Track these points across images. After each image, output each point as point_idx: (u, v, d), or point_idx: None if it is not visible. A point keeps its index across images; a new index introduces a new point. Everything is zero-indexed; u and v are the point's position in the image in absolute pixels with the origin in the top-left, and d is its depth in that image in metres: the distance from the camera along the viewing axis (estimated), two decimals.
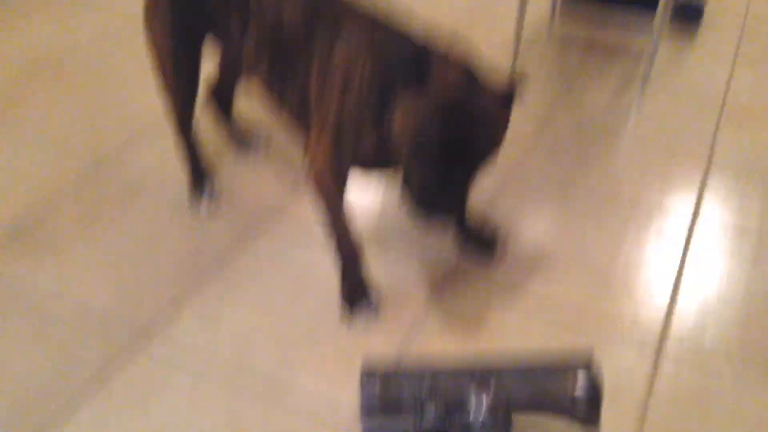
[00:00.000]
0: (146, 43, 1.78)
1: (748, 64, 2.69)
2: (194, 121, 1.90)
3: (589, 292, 1.74)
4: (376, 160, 1.54)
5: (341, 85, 1.50)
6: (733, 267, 1.82)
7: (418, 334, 1.61)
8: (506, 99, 1.41)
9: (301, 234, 1.88)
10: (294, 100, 1.64)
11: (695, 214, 1.98)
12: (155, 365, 1.54)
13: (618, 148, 2.23)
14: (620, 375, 1.53)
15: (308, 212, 1.93)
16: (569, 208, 1.99)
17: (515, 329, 1.63)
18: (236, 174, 2.07)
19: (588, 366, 1.12)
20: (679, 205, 2.01)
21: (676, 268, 1.81)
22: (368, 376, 1.08)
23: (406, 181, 1.43)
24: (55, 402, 1.45)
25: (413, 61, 1.38)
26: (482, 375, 1.08)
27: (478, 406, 1.05)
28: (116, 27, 2.79)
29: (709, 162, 2.18)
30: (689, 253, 1.86)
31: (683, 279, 1.78)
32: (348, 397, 1.45)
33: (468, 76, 1.38)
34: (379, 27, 1.51)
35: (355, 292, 1.67)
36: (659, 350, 1.60)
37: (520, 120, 2.35)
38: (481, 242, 1.81)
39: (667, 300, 1.72)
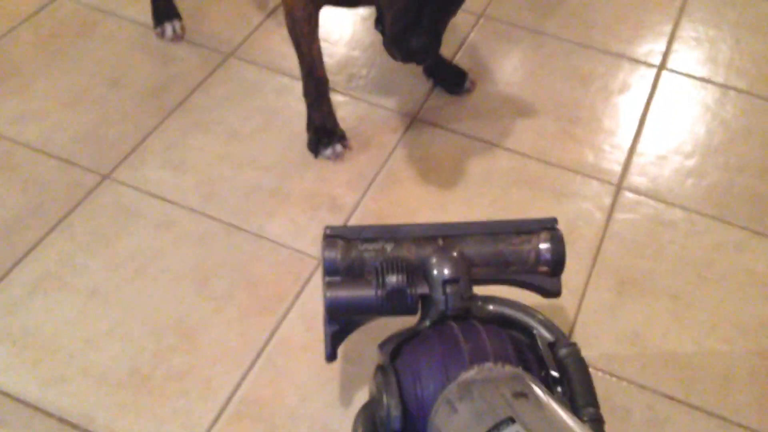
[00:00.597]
0: None
1: None
2: None
3: (552, 140, 1.76)
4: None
5: None
6: (695, 118, 1.85)
7: (384, 179, 1.64)
8: None
9: (268, 72, 1.85)
10: None
11: (661, 64, 1.98)
12: (118, 206, 1.56)
13: None
14: (578, 221, 1.60)
15: (278, 45, 1.90)
16: (538, 53, 1.97)
17: (478, 177, 1.66)
18: (205, 12, 2.00)
19: (552, 227, 1.13)
20: (647, 54, 2.00)
21: (638, 118, 1.83)
22: (331, 240, 1.08)
23: (382, 18, 1.43)
24: (19, 239, 1.48)
25: None
26: (445, 242, 1.09)
27: (440, 273, 1.04)
28: None
29: (681, 11, 2.15)
30: (652, 104, 1.87)
31: (644, 130, 1.81)
32: (308, 245, 1.51)
33: None
34: None
35: (321, 131, 1.67)
36: (615, 198, 1.65)
37: None
38: (450, 72, 1.84)
39: (626, 150, 1.76)
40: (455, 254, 1.07)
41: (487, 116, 1.80)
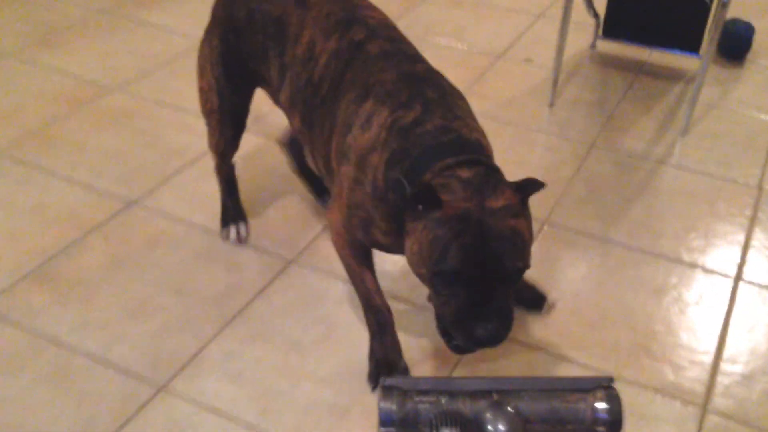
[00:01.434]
0: (197, 81, 1.82)
1: None
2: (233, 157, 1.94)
3: (626, 356, 1.66)
4: (393, 249, 1.45)
5: (353, 174, 1.43)
6: None
7: None
8: (521, 205, 1.29)
9: (330, 280, 1.84)
10: (320, 160, 1.61)
11: (737, 276, 1.90)
12: (173, 423, 1.50)
13: (658, 195, 2.16)
14: None
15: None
16: (606, 262, 1.92)
17: None
18: (270, 217, 2.04)
19: (608, 386, 1.09)
20: (721, 264, 1.93)
21: (718, 332, 1.73)
22: (387, 390, 1.08)
23: (438, 312, 1.31)
24: None
25: (425, 185, 1.24)
26: (500, 396, 1.07)
27: (495, 428, 1.04)
28: (155, 68, 2.79)
29: (753, 218, 2.10)
30: (732, 317, 1.78)
31: (726, 345, 1.70)
32: None
33: (480, 190, 1.26)
34: (403, 106, 1.39)
35: (383, 363, 1.57)
36: (701, 423, 1.52)
37: (557, 161, 2.29)
38: (530, 293, 1.78)
39: (709, 368, 1.64)
40: (510, 409, 1.07)
41: (555, 328, 1.72)
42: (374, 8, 1.63)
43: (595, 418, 1.07)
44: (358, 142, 1.42)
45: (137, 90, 2.59)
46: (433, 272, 1.26)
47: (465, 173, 1.29)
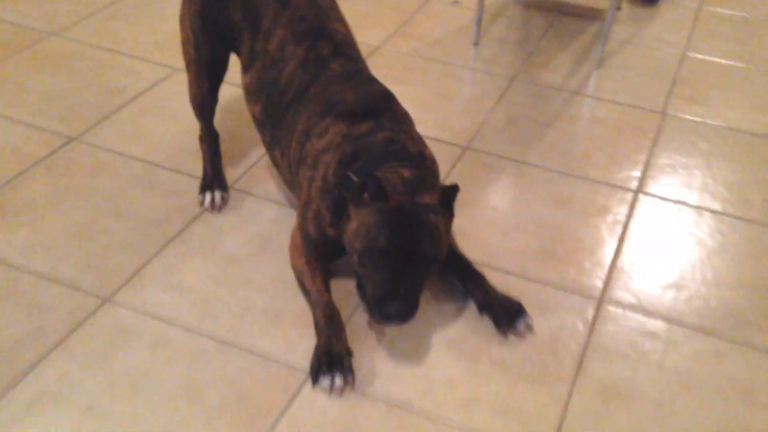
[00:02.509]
0: (180, 30, 1.92)
1: (704, 38, 2.80)
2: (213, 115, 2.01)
3: (534, 259, 1.84)
4: (338, 242, 1.63)
5: (309, 174, 1.66)
6: (672, 237, 1.93)
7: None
8: (445, 204, 1.57)
9: (264, 202, 1.97)
10: (278, 158, 1.80)
11: (638, 188, 2.08)
12: (117, 326, 1.62)
13: (571, 122, 2.33)
14: (561, 333, 1.64)
15: (275, 177, 2.03)
16: (521, 180, 2.09)
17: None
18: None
19: None
20: (624, 180, 2.11)
21: (618, 237, 1.92)
22: None
23: (360, 285, 1.56)
24: (20, 358, 1.54)
25: (369, 173, 1.54)
26: None
27: None
28: (92, 13, 2.84)
29: (656, 140, 2.28)
30: (631, 225, 1.96)
31: (624, 248, 1.89)
32: (298, 359, 1.56)
33: (411, 189, 1.53)
34: (358, 121, 1.64)
35: (326, 356, 1.53)
36: (597, 311, 1.70)
37: (480, 93, 2.45)
38: (503, 309, 1.66)
39: (607, 267, 1.83)
40: None
41: (472, 237, 1.89)
42: (343, 22, 1.84)
43: None
44: (314, 147, 1.66)
45: (75, 34, 2.66)
46: (365, 248, 1.51)
47: (406, 173, 1.56)
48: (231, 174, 2.06)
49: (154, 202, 1.96)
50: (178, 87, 2.38)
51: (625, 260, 1.85)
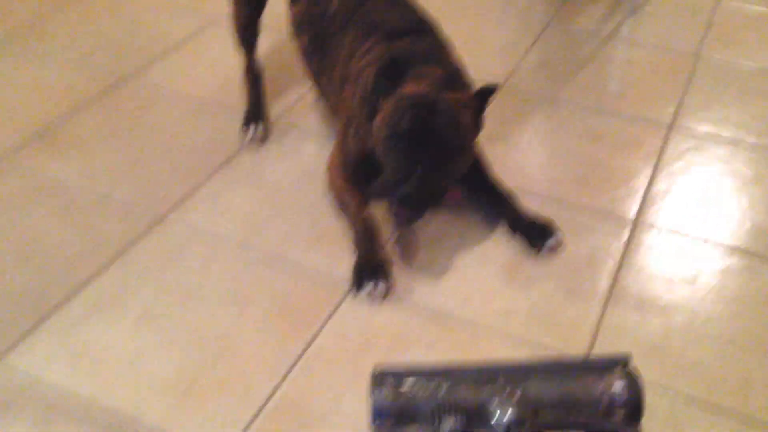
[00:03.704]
0: None
1: None
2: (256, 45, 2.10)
3: (569, 187, 1.89)
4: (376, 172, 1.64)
5: (352, 90, 1.71)
6: (706, 168, 1.96)
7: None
8: (477, 104, 1.60)
9: (306, 140, 2.04)
10: (324, 85, 1.86)
11: (671, 124, 2.12)
12: (170, 243, 1.71)
13: (605, 64, 2.36)
14: (596, 251, 1.69)
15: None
16: (555, 116, 2.14)
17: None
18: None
19: (626, 366, 1.00)
20: (656, 115, 2.15)
21: (651, 171, 1.96)
22: (379, 379, 0.98)
23: (383, 175, 1.58)
24: (81, 269, 1.63)
25: (396, 71, 1.58)
26: (507, 381, 0.98)
27: (502, 417, 0.95)
28: None
29: (690, 79, 2.31)
30: (663, 158, 2.00)
31: (657, 181, 1.93)
32: (343, 270, 1.63)
33: (440, 84, 1.57)
34: (398, 40, 1.69)
35: (364, 270, 1.59)
36: (633, 232, 1.75)
37: (514, 38, 2.49)
38: (534, 228, 1.71)
39: (641, 195, 1.87)
40: (518, 395, 0.96)
41: (507, 166, 1.94)
42: None
43: (612, 403, 0.97)
44: (358, 65, 1.71)
45: None
46: (386, 135, 1.54)
47: (439, 71, 1.60)
48: (274, 110, 2.13)
49: (201, 135, 2.04)
50: (221, 34, 2.46)
51: (659, 187, 1.89)
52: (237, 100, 2.14)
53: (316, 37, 1.85)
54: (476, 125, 1.63)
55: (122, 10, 2.60)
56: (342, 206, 1.76)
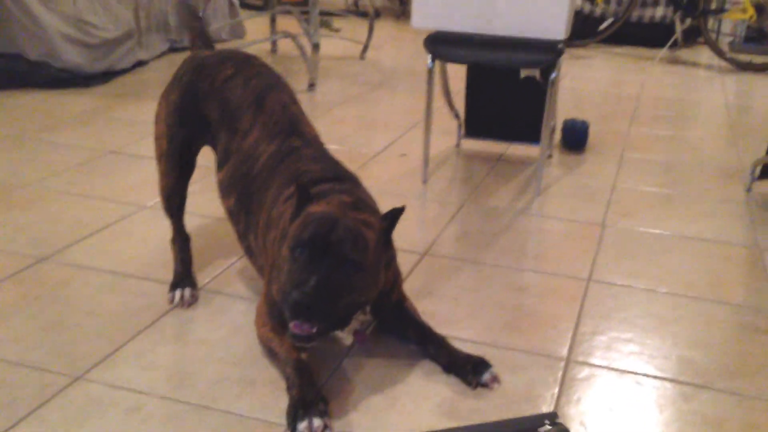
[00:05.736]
0: (154, 129, 2.07)
1: (630, 174, 3.08)
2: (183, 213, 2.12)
3: (500, 332, 1.90)
4: None
5: (273, 237, 1.73)
6: (627, 316, 2.03)
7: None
8: (384, 226, 1.64)
9: (241, 303, 2.01)
10: (252, 243, 1.89)
11: (590, 277, 2.21)
12: (89, 399, 1.59)
13: (520, 232, 2.49)
14: (534, 384, 1.67)
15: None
16: (479, 274, 2.20)
17: None
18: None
19: (554, 422, 1.04)
20: (576, 271, 2.24)
21: (576, 315, 2.01)
22: None
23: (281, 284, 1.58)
24: None
25: (301, 185, 1.64)
26: None
27: None
28: (66, 168, 3.00)
29: (600, 243, 2.45)
30: (586, 303, 2.06)
31: (583, 322, 1.97)
32: (278, 414, 1.55)
33: (346, 206, 1.62)
34: (318, 185, 1.74)
35: (298, 409, 1.53)
36: (565, 370, 1.75)
37: (433, 215, 2.61)
38: (465, 367, 1.71)
39: (570, 335, 1.90)
40: None
41: (437, 317, 1.95)
42: (311, 126, 2.01)
43: None
44: (279, 210, 1.75)
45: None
46: (290, 246, 1.56)
47: (346, 199, 1.66)
48: (202, 278, 2.12)
49: (124, 303, 1.99)
50: (144, 219, 2.49)
51: (586, 329, 1.93)
52: (163, 274, 2.13)
53: (243, 195, 1.90)
54: (383, 245, 1.65)
55: (41, 204, 2.62)
56: (272, 355, 1.72)
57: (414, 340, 1.80)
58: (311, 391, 1.56)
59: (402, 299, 1.86)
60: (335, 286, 1.52)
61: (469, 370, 1.69)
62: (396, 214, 1.64)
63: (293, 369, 1.60)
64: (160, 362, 1.73)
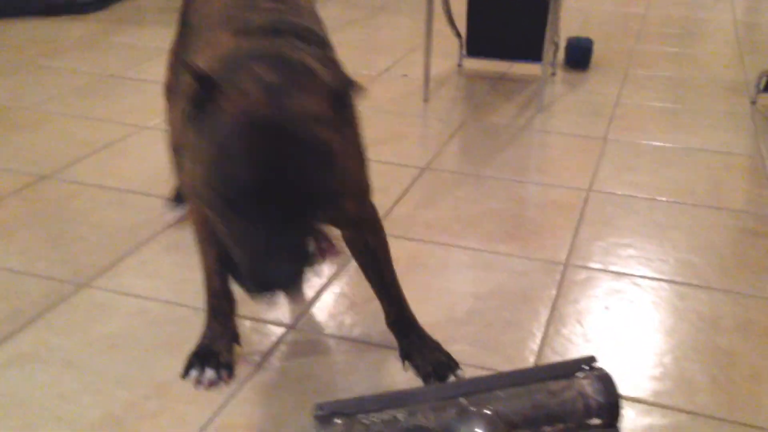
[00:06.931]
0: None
1: (634, 90, 3.05)
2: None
3: (499, 240, 1.92)
4: None
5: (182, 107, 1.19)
6: (626, 215, 2.04)
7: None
8: (335, 111, 1.00)
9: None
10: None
11: (590, 188, 2.22)
12: (94, 304, 1.63)
13: (521, 147, 2.49)
14: (533, 288, 1.69)
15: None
16: (480, 188, 2.20)
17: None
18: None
19: (593, 366, 0.91)
20: (576, 182, 2.24)
21: (576, 223, 2.02)
22: (324, 420, 0.86)
23: (229, 248, 1.00)
24: None
25: (198, 74, 0.97)
26: (470, 401, 0.87)
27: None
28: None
29: (601, 155, 2.44)
30: (586, 213, 2.07)
31: (582, 230, 1.98)
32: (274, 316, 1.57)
33: (280, 90, 0.97)
34: (254, 36, 1.15)
35: (202, 351, 1.44)
36: (564, 274, 1.77)
37: (434, 133, 2.60)
38: (432, 361, 1.42)
39: (570, 239, 1.91)
40: (487, 411, 0.84)
41: (436, 227, 1.96)
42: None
43: (587, 407, 0.88)
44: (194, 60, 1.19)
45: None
46: (215, 195, 0.96)
47: (271, 75, 0.99)
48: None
49: (126, 218, 2.00)
50: (144, 141, 2.49)
51: (585, 236, 1.94)
52: (163, 190, 2.14)
53: (179, 51, 1.54)
54: (352, 142, 1.19)
55: (42, 126, 2.62)
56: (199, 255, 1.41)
57: (372, 287, 1.45)
58: (220, 337, 1.44)
59: (366, 219, 1.38)
60: (308, 229, 1.01)
61: (431, 373, 1.38)
62: (345, 86, 1.02)
63: (208, 305, 1.45)
64: (163, 271, 1.76)
